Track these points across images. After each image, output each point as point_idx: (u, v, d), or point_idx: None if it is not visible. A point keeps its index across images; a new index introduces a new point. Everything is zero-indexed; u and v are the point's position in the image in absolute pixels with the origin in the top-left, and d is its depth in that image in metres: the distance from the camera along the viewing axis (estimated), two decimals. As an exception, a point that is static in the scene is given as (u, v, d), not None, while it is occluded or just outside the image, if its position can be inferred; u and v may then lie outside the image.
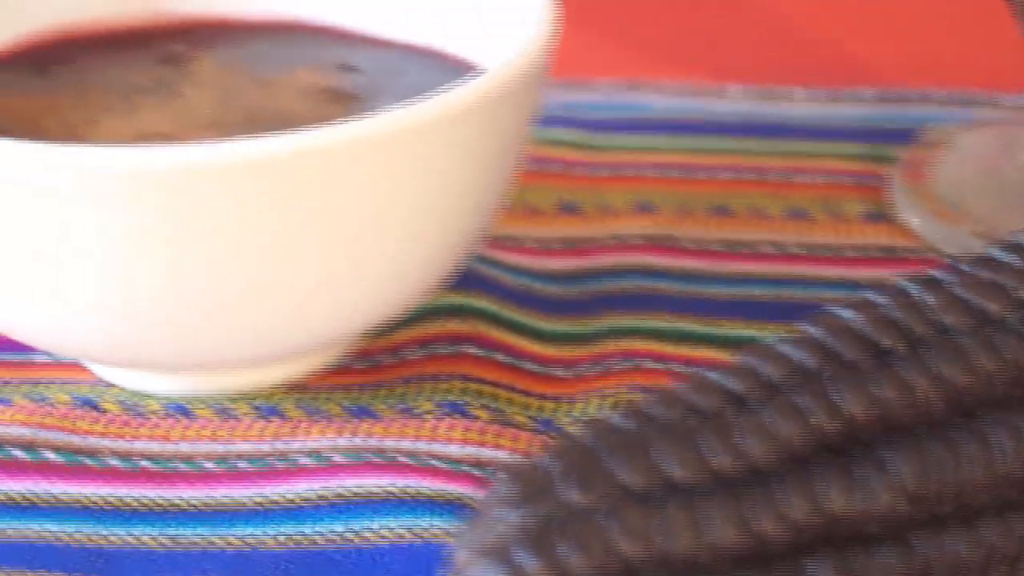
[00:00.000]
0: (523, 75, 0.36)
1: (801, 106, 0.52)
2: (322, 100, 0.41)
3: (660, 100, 0.52)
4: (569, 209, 0.46)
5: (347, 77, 0.42)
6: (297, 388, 0.39)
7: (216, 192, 0.33)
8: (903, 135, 0.50)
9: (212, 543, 0.35)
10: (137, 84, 0.42)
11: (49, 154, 0.33)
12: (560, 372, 0.40)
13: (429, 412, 0.38)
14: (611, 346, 0.40)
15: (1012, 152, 0.47)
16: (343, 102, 0.40)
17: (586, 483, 0.29)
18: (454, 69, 0.42)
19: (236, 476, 0.36)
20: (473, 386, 0.39)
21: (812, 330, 0.32)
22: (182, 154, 0.33)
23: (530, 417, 0.38)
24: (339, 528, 0.35)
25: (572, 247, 0.45)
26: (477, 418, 0.38)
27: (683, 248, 0.45)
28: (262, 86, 0.41)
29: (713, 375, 0.31)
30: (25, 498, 0.36)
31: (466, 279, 0.42)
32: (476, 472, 0.36)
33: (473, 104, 0.35)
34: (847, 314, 0.32)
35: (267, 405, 0.39)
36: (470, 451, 0.37)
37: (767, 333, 0.41)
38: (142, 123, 0.39)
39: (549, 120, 0.45)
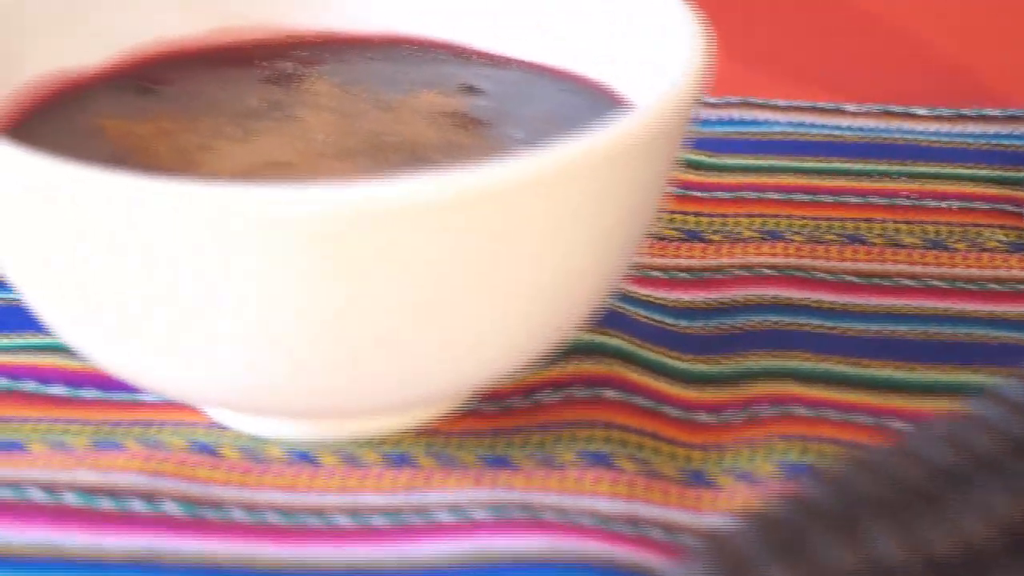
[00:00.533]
0: (683, 107, 0.34)
1: (925, 125, 0.49)
2: (449, 125, 0.38)
3: (776, 118, 0.50)
4: (693, 236, 0.44)
5: (471, 100, 0.39)
6: (426, 433, 0.37)
7: (375, 235, 0.31)
8: (1036, 157, 0.48)
9: (351, 608, 0.33)
10: (249, 106, 0.39)
11: (202, 195, 0.30)
12: (705, 418, 0.37)
13: (571, 463, 0.36)
14: (755, 389, 0.38)
15: None
16: (471, 128, 0.38)
17: (790, 564, 0.27)
18: (579, 90, 0.40)
19: (371, 533, 0.34)
20: (616, 434, 0.37)
21: (1015, 393, 0.29)
22: (344, 197, 0.30)
23: (678, 469, 0.36)
24: (490, 594, 0.32)
25: (700, 278, 0.42)
26: (623, 470, 0.35)
27: (817, 280, 0.42)
28: (384, 109, 0.39)
29: (919, 443, 0.28)
30: (147, 555, 0.34)
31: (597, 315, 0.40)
32: (630, 531, 0.34)
33: (638, 140, 0.32)
34: (1052, 374, 0.30)
35: (396, 452, 0.36)
36: (620, 507, 0.34)
37: (917, 375, 0.39)
38: (260, 150, 0.37)
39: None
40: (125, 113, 0.39)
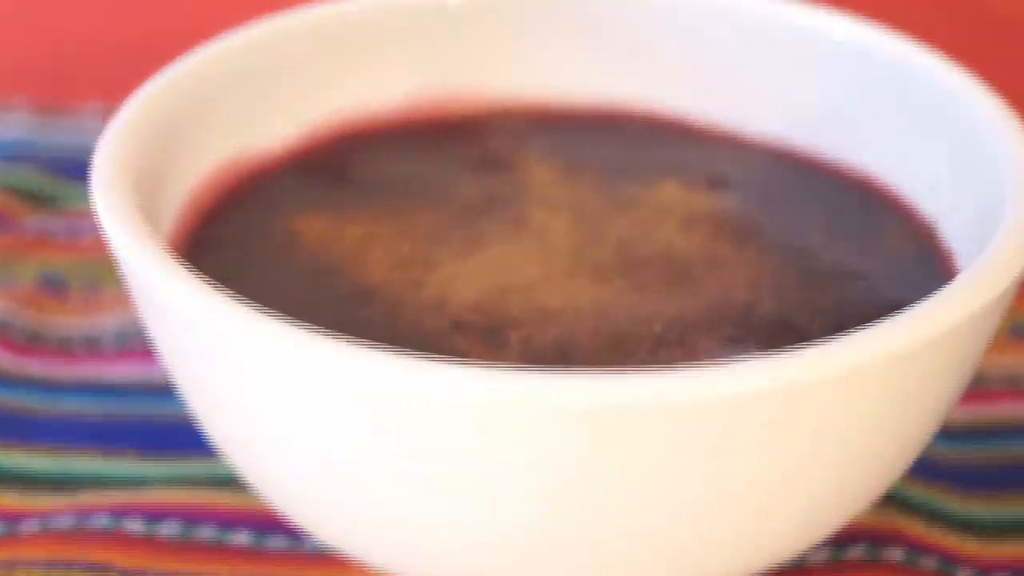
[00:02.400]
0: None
1: None
2: (706, 232, 0.32)
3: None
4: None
5: (722, 197, 0.34)
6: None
7: (676, 425, 0.25)
8: None
9: None
10: (466, 201, 0.33)
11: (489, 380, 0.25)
12: (998, 581, 0.32)
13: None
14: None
15: None
16: (729, 237, 0.32)
17: None
18: (842, 185, 0.34)
19: None
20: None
21: None
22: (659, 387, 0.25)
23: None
24: None
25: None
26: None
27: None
28: (623, 207, 0.33)
29: None
30: None
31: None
32: None
33: (983, 309, 0.27)
34: None
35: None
36: None
37: None
38: (493, 266, 0.31)
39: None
40: (321, 210, 0.33)
